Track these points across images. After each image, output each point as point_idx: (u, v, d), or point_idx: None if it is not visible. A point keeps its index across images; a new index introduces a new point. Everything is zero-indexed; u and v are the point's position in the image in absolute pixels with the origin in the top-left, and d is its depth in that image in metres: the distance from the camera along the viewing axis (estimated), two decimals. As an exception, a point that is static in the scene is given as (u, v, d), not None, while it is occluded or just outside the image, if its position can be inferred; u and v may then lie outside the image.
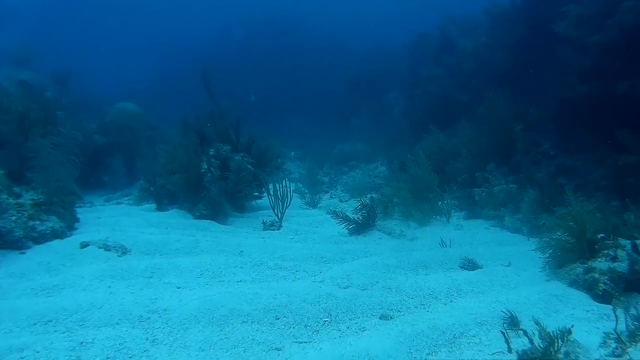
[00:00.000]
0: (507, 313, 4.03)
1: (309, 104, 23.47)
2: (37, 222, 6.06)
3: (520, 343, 3.54)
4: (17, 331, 3.67)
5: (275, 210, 8.16)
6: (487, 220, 8.40)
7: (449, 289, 4.96)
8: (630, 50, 7.29)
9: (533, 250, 6.04)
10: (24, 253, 5.63)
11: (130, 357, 3.37)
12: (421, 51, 17.04)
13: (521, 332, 3.70)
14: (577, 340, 3.41)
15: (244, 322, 4.00)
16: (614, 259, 4.84)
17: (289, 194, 8.28)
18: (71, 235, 6.41)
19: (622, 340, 3.38)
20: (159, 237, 6.40)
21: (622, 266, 4.71)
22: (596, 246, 5.10)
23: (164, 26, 40.64)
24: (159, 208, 8.98)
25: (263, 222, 7.95)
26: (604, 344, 3.46)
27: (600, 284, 4.65)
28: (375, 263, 5.72)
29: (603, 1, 7.80)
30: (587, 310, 4.37)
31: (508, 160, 9.18)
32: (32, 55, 16.87)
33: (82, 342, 3.47)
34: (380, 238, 7.29)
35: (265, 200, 8.85)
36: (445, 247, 6.72)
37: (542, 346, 3.28)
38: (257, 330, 3.86)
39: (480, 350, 3.60)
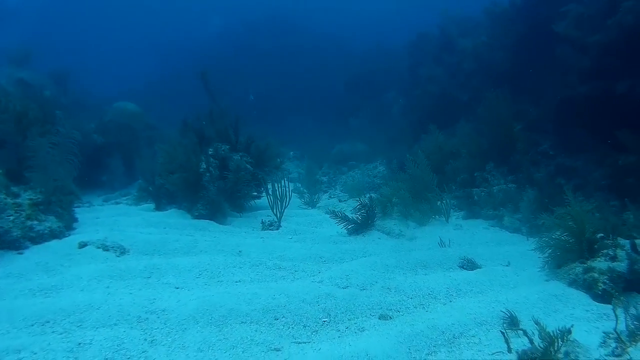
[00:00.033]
0: (507, 313, 4.02)
1: (308, 104, 23.47)
2: (35, 222, 6.04)
3: (520, 343, 3.53)
4: (15, 332, 3.65)
5: (274, 210, 8.14)
6: (486, 220, 8.40)
7: (448, 289, 4.95)
8: (630, 50, 7.29)
9: (532, 250, 6.03)
10: (21, 253, 5.61)
11: (129, 358, 3.35)
12: (421, 51, 17.04)
13: (521, 332, 3.69)
14: (576, 340, 3.40)
15: (242, 322, 3.98)
16: (614, 258, 4.83)
17: (287, 193, 8.26)
18: (69, 235, 6.39)
19: (622, 340, 3.37)
20: (158, 237, 6.38)
21: (621, 266, 4.70)
22: (595, 246, 5.09)
23: (164, 26, 40.67)
24: (158, 208, 8.96)
25: (262, 222, 7.93)
26: (603, 343, 3.44)
27: (600, 284, 4.64)
28: (374, 263, 5.70)
29: (603, 1, 7.79)
30: (587, 310, 4.36)
31: (507, 160, 9.18)
32: (31, 54, 16.83)
33: (80, 343, 3.45)
34: (379, 238, 7.28)
35: (264, 200, 8.83)
36: (445, 246, 6.71)
37: (542, 346, 3.27)
38: (255, 331, 3.85)
39: (480, 350, 3.59)
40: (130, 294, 4.49)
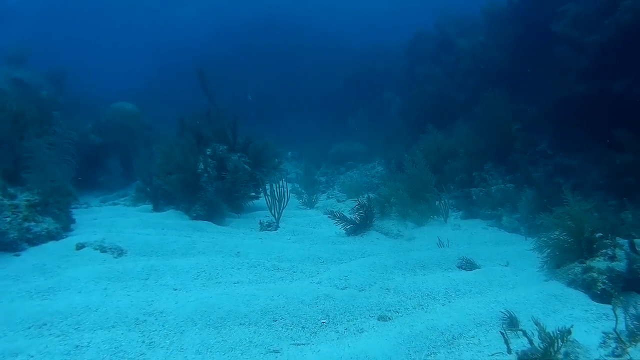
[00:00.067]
0: (506, 313, 4.01)
1: (306, 104, 23.44)
2: (32, 224, 6.01)
3: (519, 343, 3.52)
4: (11, 335, 3.63)
5: (272, 211, 8.12)
6: (485, 220, 8.39)
7: (447, 290, 4.94)
8: (628, 50, 7.28)
9: (531, 249, 6.03)
10: (18, 255, 5.58)
11: (126, 361, 3.34)
12: (418, 50, 17.02)
13: (520, 332, 3.68)
14: (576, 340, 3.39)
15: (241, 324, 3.96)
16: (612, 258, 4.83)
17: (286, 194, 8.24)
18: (67, 236, 6.36)
19: (621, 340, 3.37)
20: (156, 238, 6.36)
21: (620, 265, 4.70)
22: (594, 245, 5.09)
23: (162, 25, 40.57)
24: (156, 209, 8.94)
25: (260, 223, 7.91)
26: (603, 343, 3.44)
27: (599, 284, 4.64)
28: (373, 263, 5.69)
29: (601, 0, 7.79)
30: (586, 310, 4.36)
31: (505, 160, 9.17)
32: (28, 54, 16.77)
33: (77, 346, 3.43)
34: (377, 238, 7.27)
35: (262, 201, 8.81)
36: (443, 247, 6.69)
37: (541, 347, 3.26)
38: (254, 333, 3.83)
39: (480, 351, 3.58)
40: (128, 295, 4.48)
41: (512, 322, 3.96)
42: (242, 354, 3.51)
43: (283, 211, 8.19)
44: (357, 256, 6.20)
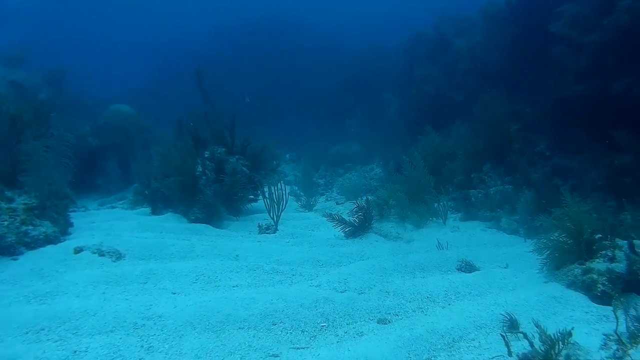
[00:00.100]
0: (506, 316, 4.00)
1: (304, 104, 23.45)
2: (30, 227, 5.98)
3: (520, 346, 3.51)
4: (8, 340, 3.60)
5: (271, 214, 8.10)
6: (484, 221, 8.38)
7: (447, 292, 4.92)
8: (626, 50, 7.29)
9: (530, 251, 6.03)
10: (16, 259, 5.55)
11: (125, 366, 3.31)
12: (417, 51, 17.01)
13: (521, 335, 3.67)
14: (577, 343, 3.37)
15: (240, 328, 3.94)
16: (612, 259, 4.81)
17: (284, 196, 8.23)
18: (65, 240, 6.34)
19: (623, 342, 3.35)
20: (154, 242, 6.34)
21: (620, 267, 4.69)
22: (594, 247, 5.07)
23: (160, 25, 40.56)
24: (154, 212, 8.92)
25: (259, 226, 7.89)
26: (604, 346, 3.42)
27: (599, 285, 4.62)
28: (372, 266, 5.67)
29: (598, 0, 7.79)
30: (586, 312, 4.34)
31: (504, 161, 9.17)
32: (26, 55, 16.75)
33: (75, 351, 3.41)
34: (376, 241, 7.25)
35: (260, 203, 8.79)
36: (442, 249, 6.68)
37: (542, 349, 3.24)
38: (253, 337, 3.81)
39: (480, 354, 3.56)
40: (127, 299, 4.45)
41: (512, 325, 3.94)
42: (241, 358, 3.49)
43: (282, 214, 8.17)
44: (356, 259, 6.19)
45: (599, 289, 4.60)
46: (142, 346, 3.57)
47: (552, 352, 3.22)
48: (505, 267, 5.82)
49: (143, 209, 9.42)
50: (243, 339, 3.75)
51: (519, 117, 9.66)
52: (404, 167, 9.27)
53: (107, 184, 12.43)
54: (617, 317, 3.49)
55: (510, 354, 3.45)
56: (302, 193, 11.77)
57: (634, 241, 4.81)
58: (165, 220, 8.02)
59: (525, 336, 3.50)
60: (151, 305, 4.26)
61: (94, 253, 5.71)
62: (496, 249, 6.77)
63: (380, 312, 4.43)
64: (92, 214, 8.98)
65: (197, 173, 8.46)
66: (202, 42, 30.17)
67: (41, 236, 6.01)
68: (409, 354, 3.55)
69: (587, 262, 4.95)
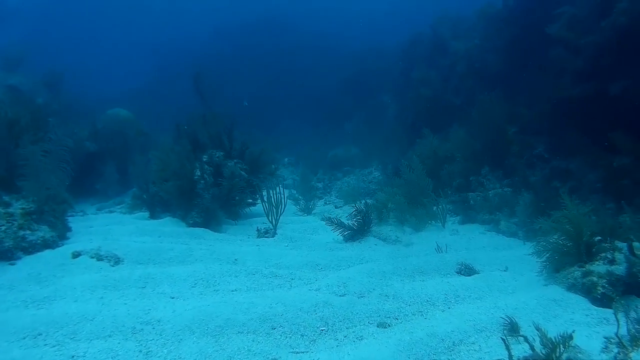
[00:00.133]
0: (507, 319, 3.98)
1: (303, 106, 23.42)
2: (28, 232, 5.96)
3: (520, 350, 3.49)
4: (6, 346, 3.57)
5: (270, 217, 8.08)
6: (483, 224, 8.38)
7: (447, 295, 4.90)
8: (624, 52, 7.30)
9: (530, 254, 6.01)
10: (13, 264, 5.52)
11: (123, 371, 3.29)
12: (414, 53, 17.01)
13: (521, 338, 3.65)
14: (578, 346, 3.36)
15: (239, 332, 3.92)
16: (612, 261, 4.80)
17: (283, 200, 8.21)
18: (63, 244, 6.30)
19: (624, 345, 3.34)
20: (152, 246, 6.31)
21: (620, 269, 4.67)
22: (593, 249, 5.06)
23: (160, 25, 40.57)
24: (152, 216, 8.89)
25: (257, 229, 7.87)
26: (605, 348, 3.41)
27: (599, 288, 4.61)
28: (371, 270, 5.66)
29: (596, 3, 7.82)
30: (587, 315, 4.33)
31: (502, 164, 9.18)
32: (24, 58, 16.73)
33: (73, 356, 3.39)
34: (375, 244, 7.24)
35: (259, 207, 8.77)
36: (441, 252, 6.67)
37: (543, 352, 3.23)
38: (253, 341, 3.79)
39: (481, 358, 3.55)
40: (125, 304, 4.43)
41: (512, 328, 3.93)
42: (240, 363, 3.47)
43: (280, 218, 8.15)
44: (355, 262, 6.17)
45: (599, 292, 4.59)
46: (140, 351, 3.54)
47: (553, 356, 3.20)
48: (504, 270, 5.81)
49: (141, 213, 9.38)
50: (242, 343, 3.73)
51: (517, 119, 9.67)
52: (402, 171, 9.27)
53: (105, 188, 12.39)
54: (618, 320, 3.48)
55: (511, 357, 3.43)
56: (300, 197, 11.75)
57: (634, 243, 4.81)
58: (164, 224, 7.99)
59: (526, 339, 3.47)
60: (149, 309, 4.24)
61: (92, 257, 5.68)
62: (495, 251, 6.76)
63: (379, 315, 4.41)
64: (90, 218, 8.95)
65: (196, 177, 8.45)
66: (202, 42, 30.23)
67: (39, 241, 5.98)
68: (409, 357, 3.53)
69: (587, 265, 4.94)
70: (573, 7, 8.32)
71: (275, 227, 7.98)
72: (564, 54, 8.50)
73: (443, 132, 11.22)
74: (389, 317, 4.41)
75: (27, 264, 5.50)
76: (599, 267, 4.81)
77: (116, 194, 12.20)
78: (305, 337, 3.95)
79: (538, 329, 3.35)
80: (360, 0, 39.83)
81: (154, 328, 3.91)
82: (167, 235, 7.24)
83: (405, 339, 3.79)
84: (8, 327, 3.81)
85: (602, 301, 4.52)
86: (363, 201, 8.26)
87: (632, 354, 3.26)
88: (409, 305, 4.70)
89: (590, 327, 4.06)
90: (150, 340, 3.72)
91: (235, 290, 5.01)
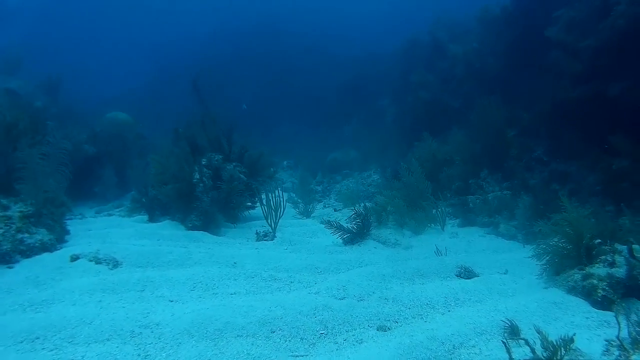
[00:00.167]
0: (507, 322, 3.97)
1: (302, 109, 23.41)
2: (26, 235, 5.93)
3: (521, 353, 3.47)
4: (3, 349, 3.54)
5: (269, 221, 8.06)
6: (482, 227, 8.38)
7: (447, 298, 4.89)
8: (622, 54, 7.32)
9: (529, 257, 5.99)
10: (11, 267, 5.50)
11: (122, 375, 3.27)
12: (413, 57, 17.02)
13: (522, 341, 3.63)
14: (579, 349, 3.35)
15: (238, 336, 3.90)
16: (612, 264, 4.80)
17: (282, 203, 8.19)
18: (61, 248, 6.28)
19: (625, 348, 3.33)
20: (151, 249, 6.28)
21: (620, 272, 4.67)
22: (593, 252, 5.06)
23: (160, 26, 40.55)
24: (151, 219, 8.86)
25: (256, 233, 7.85)
26: (607, 351, 3.40)
27: (599, 290, 4.60)
28: (370, 273, 5.64)
29: (594, 5, 7.84)
30: (587, 317, 4.31)
31: (501, 167, 9.17)
32: (22, 61, 16.73)
33: (71, 360, 3.36)
34: (375, 247, 7.22)
35: (258, 211, 8.76)
36: (441, 255, 6.65)
37: (544, 355, 3.22)
38: (252, 345, 3.76)
39: (481, 361, 3.53)
40: (124, 307, 4.40)
41: (513, 331, 3.91)
42: (239, 367, 3.45)
43: (279, 221, 8.13)
44: (354, 266, 6.15)
45: (599, 294, 4.58)
46: (139, 355, 3.52)
47: (555, 359, 3.19)
48: (504, 273, 5.80)
49: (140, 216, 9.36)
50: (241, 347, 3.71)
51: (516, 122, 9.67)
52: (401, 174, 9.26)
53: (103, 191, 12.37)
54: (618, 323, 3.47)
55: (511, 360, 3.42)
56: (299, 200, 11.73)
57: (634, 246, 4.80)
58: (163, 227, 7.97)
59: (527, 342, 3.46)
60: (148, 313, 4.21)
61: (91, 261, 5.65)
62: (495, 254, 6.75)
63: (379, 319, 4.39)
64: (88, 221, 8.92)
65: (195, 180, 8.43)
66: (202, 44, 30.27)
67: (37, 244, 5.96)
68: (409, 361, 3.51)
69: (587, 268, 4.93)
70: (571, 9, 8.34)
71: (274, 230, 7.96)
72: (562, 57, 8.51)
73: (442, 135, 11.22)
74: (389, 320, 4.39)
75: (25, 267, 5.47)
76: (599, 269, 4.80)
77: (115, 197, 12.19)
78: (304, 340, 3.93)
79: (539, 332, 3.34)
80: (359, 4, 39.89)
81: (152, 331, 3.88)
82: (166, 238, 7.22)
83: (406, 342, 3.77)
84: (5, 330, 3.78)
85: (603, 304, 4.52)
86: (362, 204, 8.25)
87: (633, 357, 3.24)
88: (409, 308, 4.68)
89: (591, 329, 4.05)
90: (149, 344, 3.70)
91: (234, 293, 4.98)
